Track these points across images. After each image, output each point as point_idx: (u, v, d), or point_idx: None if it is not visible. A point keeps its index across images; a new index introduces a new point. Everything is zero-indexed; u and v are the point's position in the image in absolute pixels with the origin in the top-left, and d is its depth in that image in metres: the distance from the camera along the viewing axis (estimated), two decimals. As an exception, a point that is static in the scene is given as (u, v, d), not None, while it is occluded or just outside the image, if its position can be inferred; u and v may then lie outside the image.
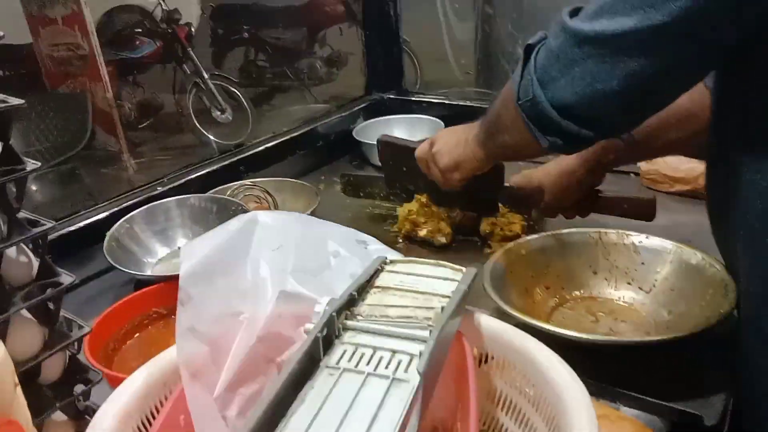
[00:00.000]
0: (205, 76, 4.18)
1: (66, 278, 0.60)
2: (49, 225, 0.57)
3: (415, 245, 1.07)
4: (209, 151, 3.98)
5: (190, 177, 1.17)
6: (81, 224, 1.01)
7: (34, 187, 2.70)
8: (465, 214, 1.08)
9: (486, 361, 0.62)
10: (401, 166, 1.08)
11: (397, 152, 1.10)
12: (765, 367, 0.62)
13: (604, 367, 0.70)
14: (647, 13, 0.54)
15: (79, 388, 0.65)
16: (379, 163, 1.18)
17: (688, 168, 1.15)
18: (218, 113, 4.29)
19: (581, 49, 0.59)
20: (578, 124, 0.63)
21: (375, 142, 1.39)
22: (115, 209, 1.04)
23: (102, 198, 1.09)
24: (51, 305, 0.60)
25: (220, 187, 1.14)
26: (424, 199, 1.09)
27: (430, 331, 0.52)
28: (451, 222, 1.07)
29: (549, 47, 0.63)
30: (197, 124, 4.28)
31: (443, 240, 1.05)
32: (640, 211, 0.96)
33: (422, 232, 1.06)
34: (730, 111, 0.64)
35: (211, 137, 4.26)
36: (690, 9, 0.53)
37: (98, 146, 3.64)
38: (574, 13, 0.62)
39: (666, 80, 0.60)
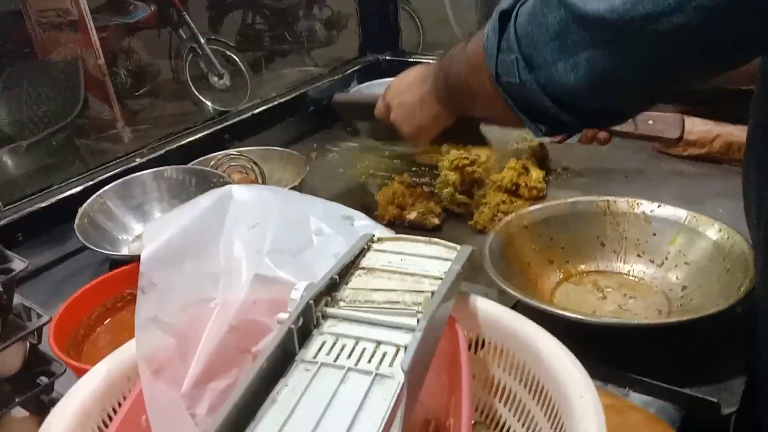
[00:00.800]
0: (202, 40, 4.11)
1: (18, 264, 0.55)
2: (-6, 209, 0.52)
3: (404, 231, 0.98)
4: (206, 118, 3.91)
5: (170, 147, 1.10)
6: (52, 200, 0.95)
7: (20, 160, 2.66)
8: (454, 195, 1.00)
9: (482, 346, 0.57)
10: (370, 120, 0.96)
11: (359, 112, 1.00)
12: None
13: (612, 349, 0.66)
14: None
15: (43, 380, 0.61)
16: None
17: (702, 131, 1.08)
18: (216, 79, 4.23)
19: (590, 33, 0.48)
20: (575, 115, 0.53)
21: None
22: (89, 183, 0.98)
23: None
24: (3, 294, 0.55)
25: (204, 157, 1.08)
26: (407, 179, 1.01)
27: (419, 320, 0.47)
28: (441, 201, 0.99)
29: (540, 22, 0.51)
30: (194, 90, 4.22)
31: (436, 221, 0.96)
32: (667, 128, 0.88)
33: (412, 216, 0.96)
34: None
35: (209, 104, 4.20)
36: None
37: (92, 115, 3.59)
38: None
39: (703, 67, 0.50)
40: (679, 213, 0.80)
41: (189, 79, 4.24)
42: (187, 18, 4.11)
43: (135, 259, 0.80)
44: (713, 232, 0.76)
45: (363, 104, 0.97)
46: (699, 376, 0.64)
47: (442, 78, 0.72)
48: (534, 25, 0.51)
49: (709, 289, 0.71)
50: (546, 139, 0.93)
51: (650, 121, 0.87)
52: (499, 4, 0.56)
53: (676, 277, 0.77)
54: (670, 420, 0.60)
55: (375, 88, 1.41)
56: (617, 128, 0.86)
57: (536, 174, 1.01)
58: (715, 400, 0.61)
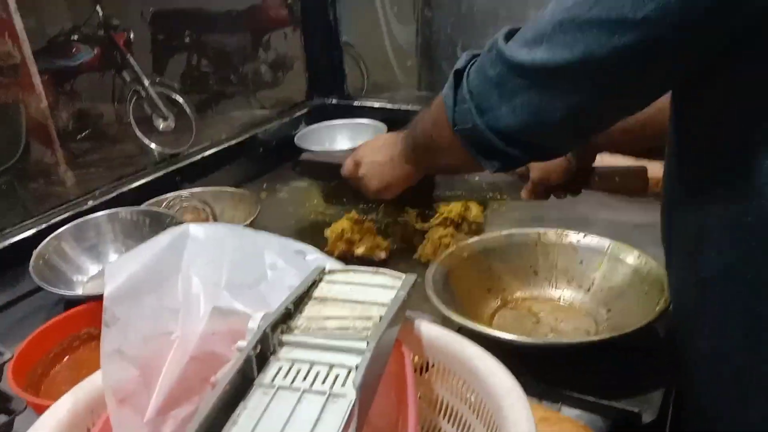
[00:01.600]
0: (146, 83, 4.10)
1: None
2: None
3: (352, 264, 1.01)
4: (152, 160, 3.89)
5: (122, 190, 1.12)
6: (5, 243, 0.96)
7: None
8: (398, 232, 1.07)
9: (427, 369, 0.61)
10: (331, 181, 1.06)
11: (322, 170, 1.07)
12: (699, 357, 0.63)
13: (546, 368, 0.71)
14: (590, 48, 0.51)
15: (2, 418, 0.62)
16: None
17: (608, 163, 1.16)
18: (160, 121, 4.21)
19: (521, 80, 0.57)
20: (520, 149, 0.62)
21: (317, 149, 1.39)
22: (43, 226, 0.99)
23: (36, 214, 1.04)
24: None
25: (156, 199, 1.10)
26: (355, 215, 1.05)
27: (368, 343, 0.51)
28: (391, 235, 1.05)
29: (485, 75, 0.60)
30: (139, 133, 4.19)
31: (383, 255, 1.02)
32: (633, 183, 0.93)
33: (360, 250, 1.01)
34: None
35: (154, 146, 4.17)
36: (638, 44, 0.49)
37: (34, 159, 3.52)
38: (510, 35, 0.59)
39: (616, 107, 0.58)
40: (603, 242, 0.87)
41: (133, 122, 4.20)
42: (132, 60, 4.09)
43: (90, 299, 0.82)
44: (632, 258, 0.83)
45: (328, 164, 1.03)
46: (623, 390, 0.70)
47: (410, 139, 0.82)
48: (481, 78, 0.60)
49: (630, 310, 0.78)
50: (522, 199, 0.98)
51: (617, 178, 0.93)
52: (455, 66, 0.65)
53: (602, 301, 0.84)
54: (598, 430, 0.66)
55: (324, 131, 1.47)
56: (586, 184, 0.93)
57: (475, 210, 1.08)
58: (637, 411, 0.67)
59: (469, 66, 0.64)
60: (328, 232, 1.04)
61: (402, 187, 0.90)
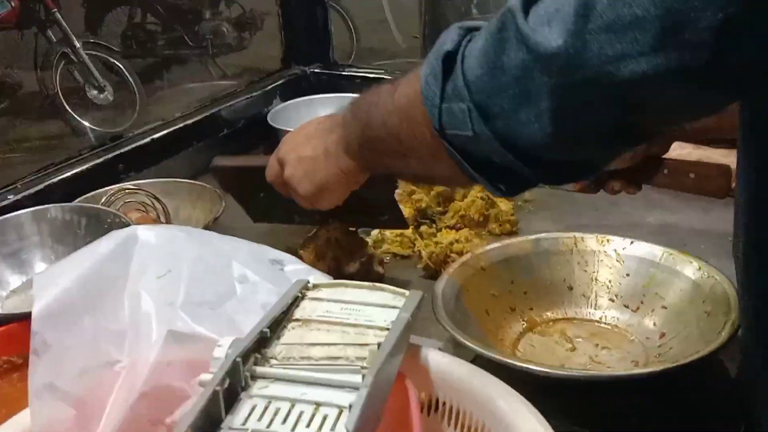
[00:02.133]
0: (77, 44, 4.11)
1: None
2: None
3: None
4: (85, 142, 3.89)
5: (51, 181, 1.12)
6: None
7: None
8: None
9: (436, 408, 0.62)
10: (257, 192, 0.96)
11: (243, 177, 0.99)
12: None
13: (584, 405, 0.72)
14: (673, 18, 0.43)
15: None
16: None
17: (679, 155, 1.17)
18: (95, 92, 4.22)
19: (554, 75, 0.49)
20: (540, 168, 0.56)
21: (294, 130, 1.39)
22: (-49, 226, 1.00)
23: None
24: None
25: (93, 193, 1.10)
26: (339, 227, 0.97)
27: (363, 376, 0.52)
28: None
29: (495, 63, 0.52)
30: (68, 107, 4.20)
31: (380, 270, 0.99)
32: (712, 183, 0.88)
33: (353, 269, 0.95)
34: None
35: (87, 124, 4.18)
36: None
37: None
38: (530, 2, 0.51)
39: (684, 111, 0.54)
40: (655, 251, 0.88)
41: (60, 93, 4.21)
42: (59, 16, 4.10)
43: (11, 319, 0.82)
44: (691, 270, 0.84)
45: (251, 168, 0.95)
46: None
47: (357, 128, 0.73)
48: (487, 68, 0.53)
49: (688, 336, 0.79)
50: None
51: (692, 175, 0.90)
52: (440, 44, 0.58)
53: (653, 323, 0.84)
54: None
55: (303, 107, 1.47)
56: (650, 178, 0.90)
57: (505, 206, 1.08)
58: (702, 462, 0.68)
59: (463, 47, 0.57)
60: (303, 252, 0.97)
61: (343, 188, 0.81)
